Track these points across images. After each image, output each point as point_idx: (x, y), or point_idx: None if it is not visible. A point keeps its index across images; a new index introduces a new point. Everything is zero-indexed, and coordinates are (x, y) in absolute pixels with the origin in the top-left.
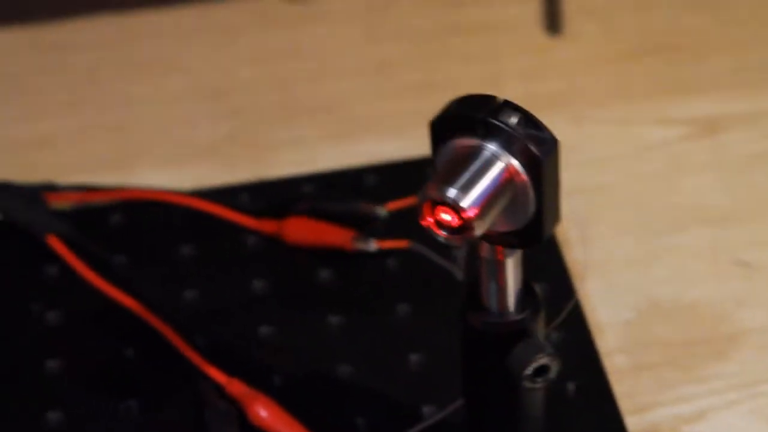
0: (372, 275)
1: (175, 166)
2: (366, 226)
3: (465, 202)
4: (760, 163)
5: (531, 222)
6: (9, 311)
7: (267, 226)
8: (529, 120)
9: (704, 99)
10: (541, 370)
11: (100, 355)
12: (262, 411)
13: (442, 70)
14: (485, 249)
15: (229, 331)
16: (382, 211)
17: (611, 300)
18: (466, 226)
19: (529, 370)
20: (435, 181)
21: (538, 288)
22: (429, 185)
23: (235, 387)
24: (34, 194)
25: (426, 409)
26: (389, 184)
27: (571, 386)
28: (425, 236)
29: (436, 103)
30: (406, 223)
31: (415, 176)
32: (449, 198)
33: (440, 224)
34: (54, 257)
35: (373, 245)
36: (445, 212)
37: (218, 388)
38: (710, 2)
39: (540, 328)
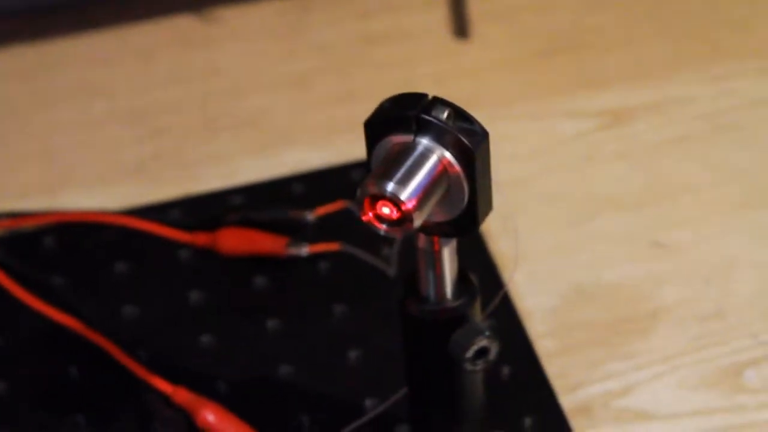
0: (306, 279)
1: (103, 187)
2: (297, 233)
3: (403, 195)
4: (667, 149)
5: (465, 211)
6: None
7: (200, 238)
8: (459, 114)
9: (611, 91)
10: (481, 352)
11: (44, 375)
12: (210, 416)
13: (358, 79)
14: (422, 240)
15: (170, 343)
16: (311, 216)
17: (537, 287)
18: (405, 218)
19: (469, 353)
20: (373, 177)
21: (473, 276)
22: (368, 181)
23: (181, 395)
24: None
25: (368, 402)
26: (315, 191)
27: (506, 370)
28: (354, 238)
29: (353, 112)
30: (335, 227)
31: (340, 182)
32: (388, 192)
33: (380, 218)
34: None
35: (306, 250)
36: (385, 206)
37: (164, 398)
38: (609, 2)
39: (477, 314)
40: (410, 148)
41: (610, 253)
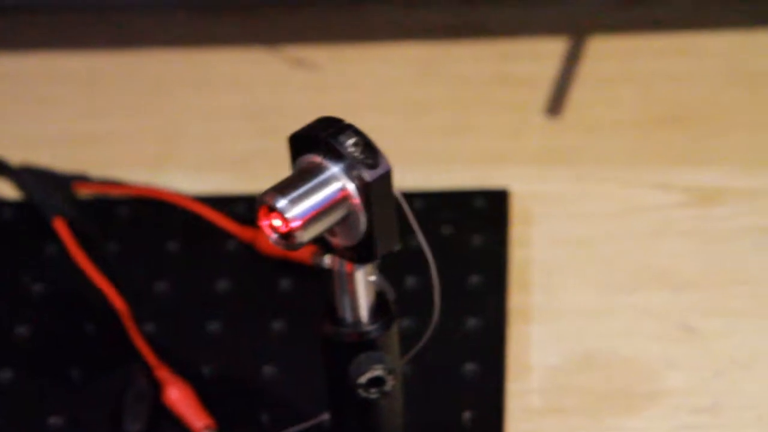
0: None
1: (202, 174)
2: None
3: (290, 213)
4: (741, 237)
5: (363, 241)
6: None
7: (246, 233)
8: (367, 146)
9: (709, 170)
10: (376, 381)
11: (63, 326)
12: (174, 393)
13: (473, 115)
14: (335, 261)
15: (180, 323)
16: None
17: (547, 344)
18: (289, 234)
19: (362, 380)
20: (273, 189)
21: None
22: (268, 191)
23: (161, 371)
24: (66, 182)
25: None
26: None
27: (467, 415)
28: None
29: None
30: None
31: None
32: (278, 207)
33: (272, 227)
34: (56, 238)
35: (328, 261)
36: (276, 218)
37: (147, 371)
38: (758, 81)
39: (392, 343)
40: (317, 170)
41: (635, 327)
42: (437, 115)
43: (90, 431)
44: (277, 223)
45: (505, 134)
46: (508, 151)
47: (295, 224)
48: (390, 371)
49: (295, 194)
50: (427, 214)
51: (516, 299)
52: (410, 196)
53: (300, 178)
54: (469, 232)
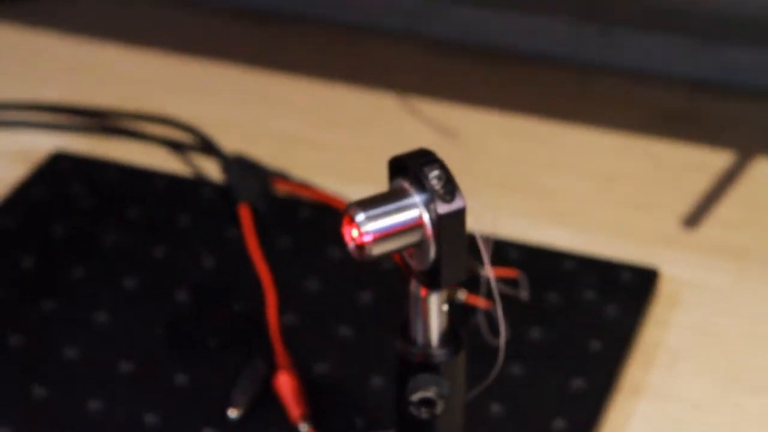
0: None
1: None
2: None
3: (365, 228)
4: None
5: (431, 268)
6: (181, 256)
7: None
8: (448, 182)
9: None
10: (427, 402)
11: (217, 297)
12: (283, 378)
13: (653, 193)
14: (412, 284)
15: (315, 321)
16: (484, 273)
17: (648, 423)
18: (362, 246)
19: (414, 398)
20: (358, 203)
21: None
22: (354, 203)
23: (281, 358)
24: (265, 176)
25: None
26: (536, 265)
27: None
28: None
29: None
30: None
31: (555, 268)
32: (356, 219)
33: (350, 236)
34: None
35: (464, 296)
36: (354, 229)
37: (270, 354)
38: None
39: (457, 371)
40: (401, 194)
41: (741, 430)
42: (622, 187)
43: (207, 391)
44: (354, 233)
45: (679, 218)
46: (676, 235)
47: (366, 238)
48: (442, 395)
49: (374, 212)
50: (574, 275)
51: (632, 374)
52: (562, 256)
53: (385, 198)
54: (608, 301)
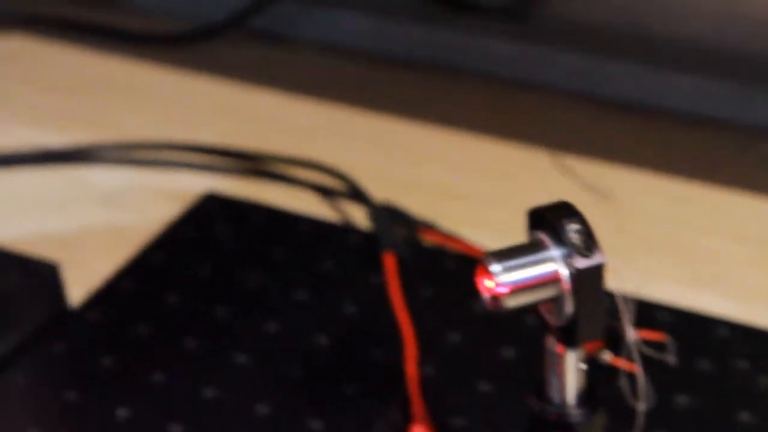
0: None
1: None
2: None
3: (500, 279)
4: None
5: (567, 325)
6: (323, 300)
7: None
8: (588, 237)
9: None
10: None
11: (355, 343)
12: (418, 430)
13: None
14: (549, 339)
15: (454, 375)
16: (633, 335)
17: None
18: (497, 297)
19: None
20: (494, 253)
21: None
22: (490, 253)
23: (417, 408)
24: (413, 225)
25: None
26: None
27: None
28: None
29: None
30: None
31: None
32: (492, 270)
33: (485, 287)
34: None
35: (608, 357)
36: (489, 279)
37: (406, 404)
38: None
39: None
40: (539, 246)
41: None
42: None
43: None
44: (489, 284)
45: None
46: None
47: (501, 290)
48: None
49: (510, 263)
50: (727, 343)
51: None
52: (714, 322)
53: (521, 250)
54: (762, 372)
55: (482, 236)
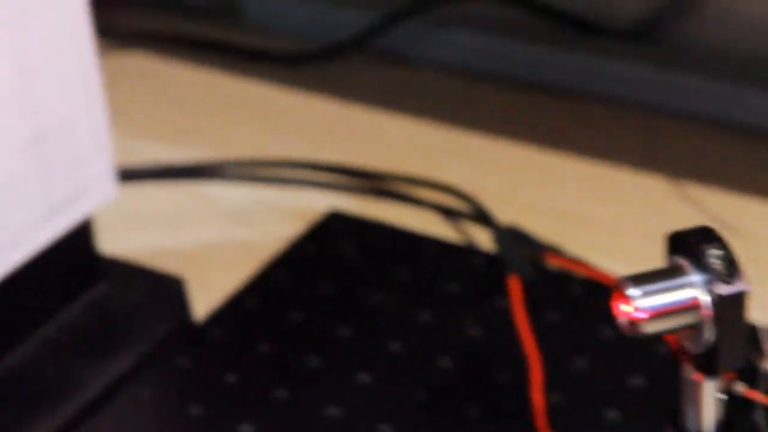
0: None
1: None
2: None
3: (639, 304)
4: None
5: (707, 352)
6: (446, 322)
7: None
8: (730, 263)
9: None
10: None
11: (478, 368)
12: None
13: None
14: (686, 368)
15: (581, 401)
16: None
17: None
18: (635, 323)
19: None
20: (632, 278)
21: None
22: (628, 277)
23: None
24: (538, 249)
25: None
26: None
27: None
28: None
29: None
30: None
31: None
32: (630, 295)
33: (622, 311)
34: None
35: (741, 388)
36: (627, 304)
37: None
38: None
39: None
40: (678, 272)
41: None
42: None
43: None
44: (626, 308)
45: None
46: None
47: (640, 315)
48: None
49: (649, 288)
50: None
51: None
52: None
53: (660, 274)
54: None
55: (607, 262)
